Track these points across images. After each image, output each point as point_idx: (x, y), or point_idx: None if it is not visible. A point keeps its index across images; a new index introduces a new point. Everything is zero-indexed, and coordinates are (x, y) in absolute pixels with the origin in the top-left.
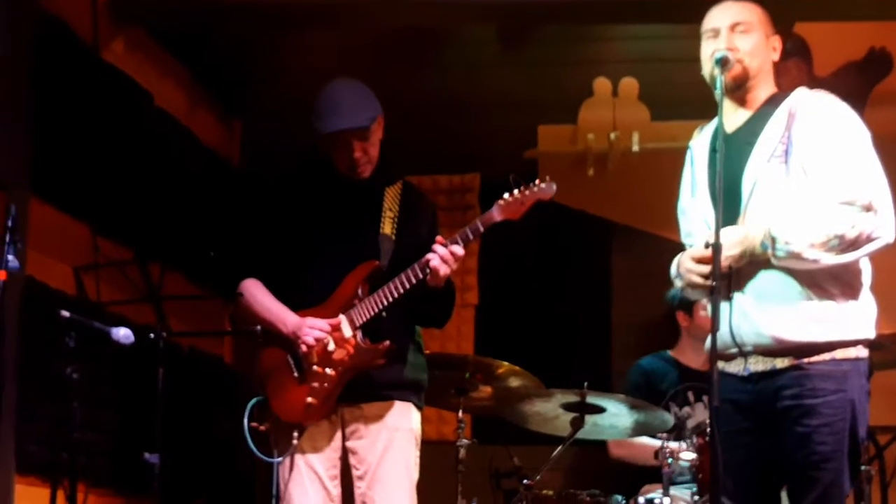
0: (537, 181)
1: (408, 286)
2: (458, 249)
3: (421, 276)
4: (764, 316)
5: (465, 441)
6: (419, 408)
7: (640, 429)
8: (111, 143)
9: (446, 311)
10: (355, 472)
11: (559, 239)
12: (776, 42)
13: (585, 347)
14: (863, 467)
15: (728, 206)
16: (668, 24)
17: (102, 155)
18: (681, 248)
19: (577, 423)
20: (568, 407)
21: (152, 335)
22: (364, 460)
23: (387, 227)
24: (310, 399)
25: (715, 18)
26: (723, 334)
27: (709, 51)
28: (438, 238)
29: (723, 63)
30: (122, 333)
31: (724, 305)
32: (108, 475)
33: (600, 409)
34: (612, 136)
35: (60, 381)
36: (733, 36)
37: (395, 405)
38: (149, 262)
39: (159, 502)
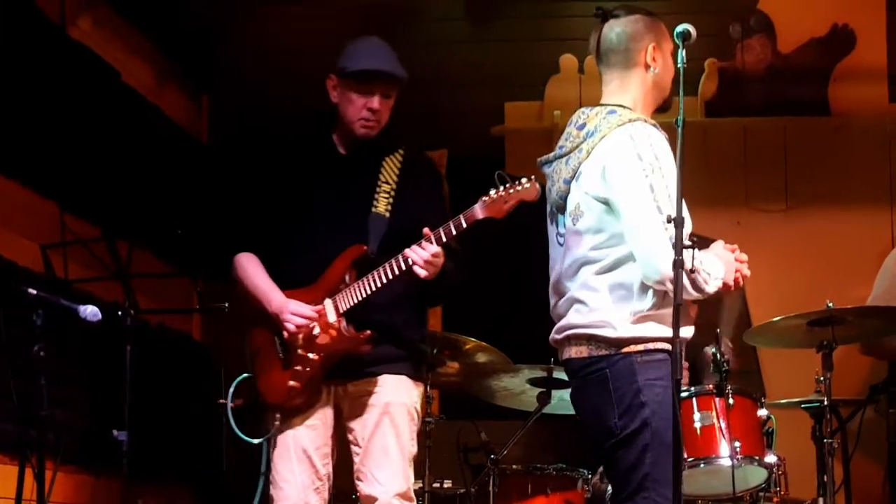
0: (522, 179)
1: (390, 277)
2: (432, 248)
3: (404, 267)
4: None
5: (433, 417)
6: (416, 379)
7: None
8: (78, 121)
9: (440, 295)
10: (353, 449)
11: (525, 214)
12: None
13: (552, 323)
14: (826, 440)
15: None
16: (633, 0)
17: (70, 132)
18: None
19: (544, 398)
20: (535, 382)
21: (120, 313)
22: (359, 436)
23: (381, 205)
24: (292, 382)
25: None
26: None
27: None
28: (426, 231)
29: (684, 37)
30: (90, 311)
31: None
32: (77, 453)
33: (567, 384)
34: None
35: (27, 359)
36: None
37: (386, 379)
38: (116, 239)
39: (128, 479)
